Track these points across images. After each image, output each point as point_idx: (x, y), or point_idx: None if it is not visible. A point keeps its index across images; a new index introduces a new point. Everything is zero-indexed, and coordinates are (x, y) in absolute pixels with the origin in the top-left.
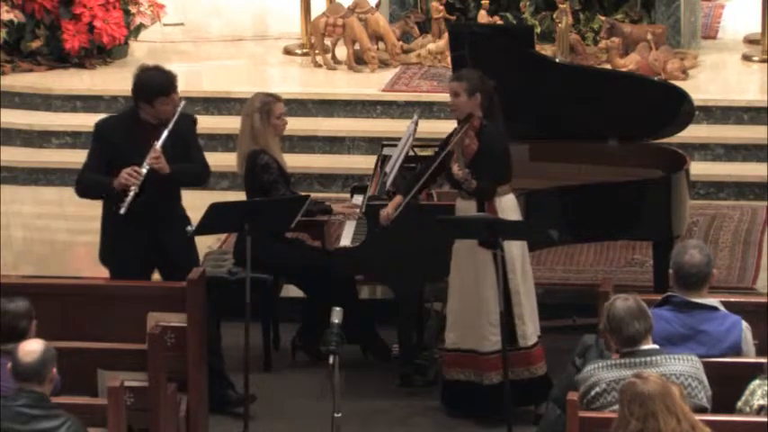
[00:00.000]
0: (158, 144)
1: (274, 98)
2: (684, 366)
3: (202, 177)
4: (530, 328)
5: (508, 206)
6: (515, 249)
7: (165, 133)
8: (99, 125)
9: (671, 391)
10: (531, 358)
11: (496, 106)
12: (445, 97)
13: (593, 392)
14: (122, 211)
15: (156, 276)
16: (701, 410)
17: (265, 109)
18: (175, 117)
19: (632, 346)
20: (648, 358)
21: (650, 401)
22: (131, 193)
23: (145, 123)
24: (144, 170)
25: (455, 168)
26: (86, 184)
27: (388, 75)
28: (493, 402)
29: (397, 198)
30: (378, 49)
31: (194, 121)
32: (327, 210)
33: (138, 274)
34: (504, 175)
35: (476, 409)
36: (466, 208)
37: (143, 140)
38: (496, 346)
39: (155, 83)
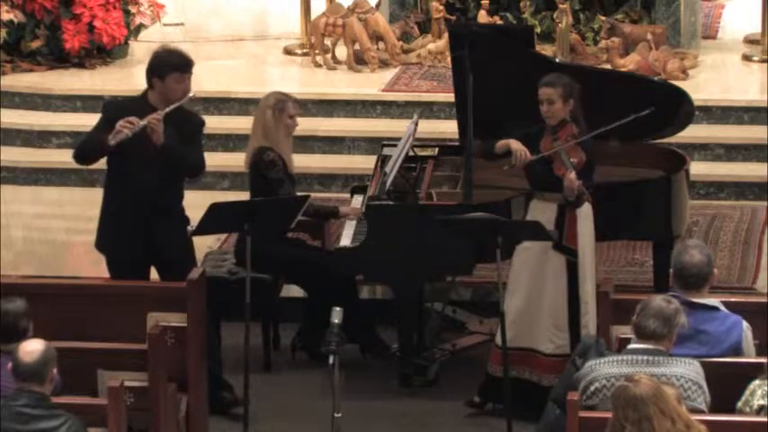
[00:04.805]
0: (164, 111)
1: (288, 97)
2: (686, 369)
3: (195, 167)
4: None
5: (587, 214)
6: (588, 258)
7: (172, 107)
8: (107, 104)
9: (664, 392)
10: None
11: (580, 111)
12: (445, 97)
13: (592, 387)
14: (112, 142)
15: (155, 275)
16: (699, 411)
17: (279, 107)
18: (182, 101)
19: (639, 339)
20: (650, 357)
21: (643, 405)
22: (123, 133)
23: (152, 109)
24: (142, 123)
25: (572, 178)
26: (83, 145)
27: (388, 75)
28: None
29: (510, 141)
30: (378, 49)
31: (202, 123)
32: (334, 212)
33: (132, 265)
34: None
35: (530, 407)
36: (543, 210)
37: None
38: (560, 350)
39: (171, 58)
